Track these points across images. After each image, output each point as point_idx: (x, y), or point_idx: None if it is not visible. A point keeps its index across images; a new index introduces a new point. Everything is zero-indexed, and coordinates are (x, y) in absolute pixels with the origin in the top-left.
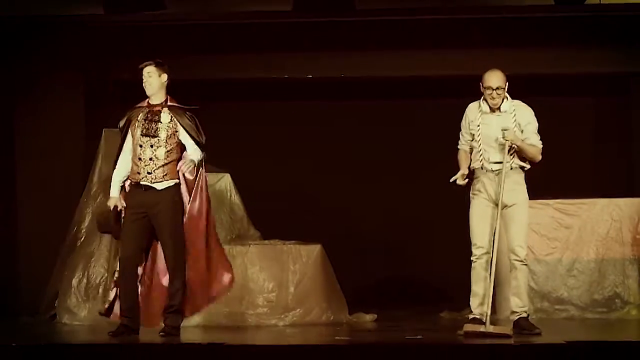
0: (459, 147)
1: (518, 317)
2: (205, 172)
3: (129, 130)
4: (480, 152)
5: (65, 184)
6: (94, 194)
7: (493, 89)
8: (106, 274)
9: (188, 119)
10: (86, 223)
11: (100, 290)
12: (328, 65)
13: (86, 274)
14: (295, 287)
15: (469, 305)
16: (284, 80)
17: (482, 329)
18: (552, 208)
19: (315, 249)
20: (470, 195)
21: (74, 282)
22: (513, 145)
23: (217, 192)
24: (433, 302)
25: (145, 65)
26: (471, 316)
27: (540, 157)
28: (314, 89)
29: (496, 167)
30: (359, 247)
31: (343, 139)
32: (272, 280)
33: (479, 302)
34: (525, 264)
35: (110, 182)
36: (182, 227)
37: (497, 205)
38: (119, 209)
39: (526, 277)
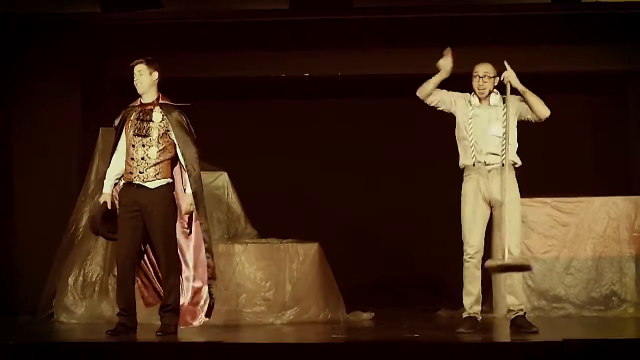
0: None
1: (515, 315)
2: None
3: (123, 130)
4: (472, 146)
5: (63, 183)
6: (91, 193)
7: (480, 77)
8: (102, 272)
9: (178, 116)
10: (83, 222)
11: (97, 288)
12: (325, 64)
13: (82, 272)
14: (292, 285)
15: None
16: (281, 78)
17: (500, 262)
18: (549, 206)
19: (312, 248)
20: (462, 193)
21: (70, 280)
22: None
23: (214, 191)
24: (430, 301)
25: (136, 64)
26: (465, 315)
27: (548, 110)
28: (311, 88)
29: (489, 159)
30: (356, 245)
31: (341, 137)
32: (269, 279)
33: (473, 302)
34: None
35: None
36: (174, 226)
37: (490, 203)
38: (109, 207)
39: (521, 275)
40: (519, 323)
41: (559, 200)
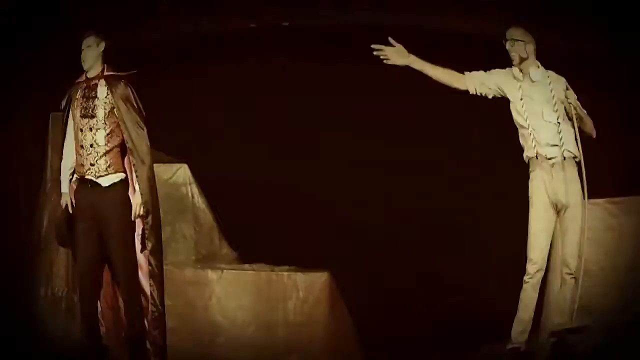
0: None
1: (558, 337)
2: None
3: (70, 112)
4: (531, 135)
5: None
6: (50, 193)
7: (507, 40)
8: (66, 288)
9: (124, 89)
10: (44, 227)
11: (64, 305)
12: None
13: (50, 285)
14: (288, 330)
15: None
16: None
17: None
18: (600, 208)
19: (320, 279)
20: (529, 194)
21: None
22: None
23: (175, 194)
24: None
25: (85, 37)
26: (510, 346)
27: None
28: (299, 42)
29: (551, 152)
30: (375, 270)
31: (347, 124)
32: (256, 322)
33: (521, 329)
34: (575, 277)
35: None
36: (133, 235)
37: (557, 207)
38: (70, 211)
39: (573, 293)
40: (563, 347)
41: (612, 200)
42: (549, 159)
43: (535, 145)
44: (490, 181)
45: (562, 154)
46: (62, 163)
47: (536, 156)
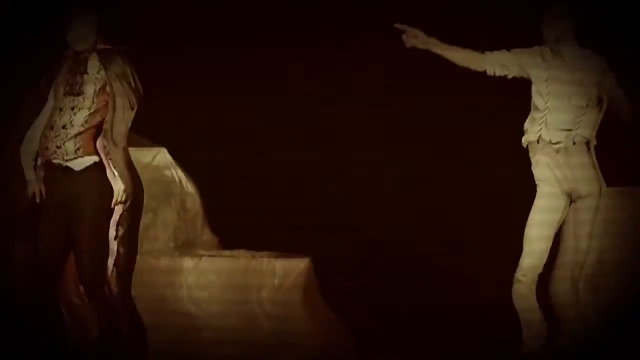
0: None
1: None
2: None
3: (52, 89)
4: (544, 118)
5: None
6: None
7: (545, 16)
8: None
9: (122, 66)
10: None
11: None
12: None
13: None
14: (268, 325)
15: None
16: None
17: None
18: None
19: (299, 266)
20: (535, 181)
21: None
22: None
23: (160, 179)
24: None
25: (75, 6)
26: (527, 350)
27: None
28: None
29: (557, 137)
30: (367, 261)
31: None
32: (229, 315)
33: (533, 334)
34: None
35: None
36: (107, 223)
37: (571, 197)
38: (37, 199)
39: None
40: None
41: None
42: (554, 143)
43: (540, 129)
44: (491, 172)
45: (573, 138)
46: (23, 147)
47: (537, 140)
